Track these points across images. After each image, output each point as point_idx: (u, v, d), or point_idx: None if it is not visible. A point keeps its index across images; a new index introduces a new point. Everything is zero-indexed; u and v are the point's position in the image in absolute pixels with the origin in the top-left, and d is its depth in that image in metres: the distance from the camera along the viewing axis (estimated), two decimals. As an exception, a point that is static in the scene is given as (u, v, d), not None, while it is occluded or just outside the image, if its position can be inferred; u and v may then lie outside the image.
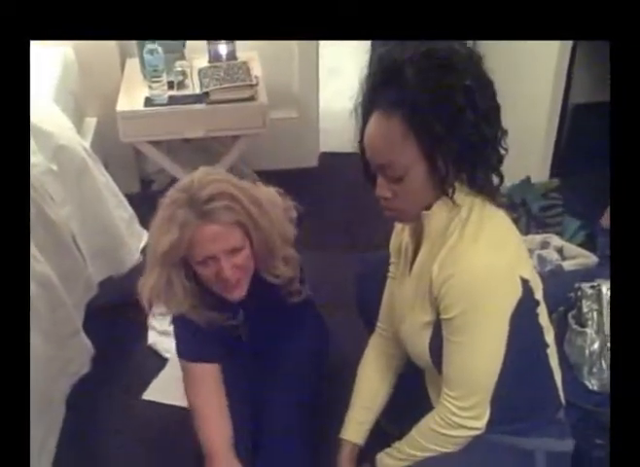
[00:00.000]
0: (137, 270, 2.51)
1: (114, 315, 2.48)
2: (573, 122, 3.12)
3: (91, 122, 2.94)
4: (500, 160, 1.33)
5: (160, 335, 2.41)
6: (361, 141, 1.35)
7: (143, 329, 2.44)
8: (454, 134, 1.23)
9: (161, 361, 2.32)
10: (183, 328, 1.72)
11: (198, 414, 1.69)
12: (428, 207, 1.34)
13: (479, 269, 1.27)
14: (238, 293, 1.61)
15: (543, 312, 1.41)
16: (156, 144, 2.88)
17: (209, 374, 1.71)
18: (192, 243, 1.51)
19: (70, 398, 1.94)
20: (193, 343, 1.71)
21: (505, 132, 1.32)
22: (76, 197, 2.30)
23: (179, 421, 2.08)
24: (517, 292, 1.30)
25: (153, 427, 2.10)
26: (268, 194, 1.69)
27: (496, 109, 1.29)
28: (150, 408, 2.16)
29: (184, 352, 1.73)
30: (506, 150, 1.33)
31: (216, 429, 1.66)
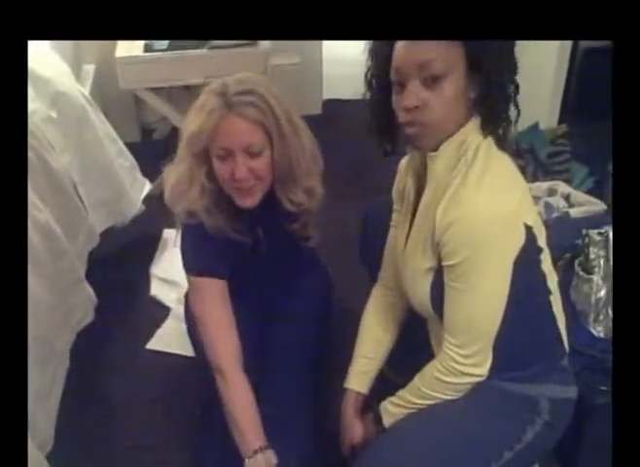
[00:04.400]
0: (139, 221, 2.52)
1: (117, 265, 2.48)
2: (583, 66, 3.06)
3: (90, 69, 2.89)
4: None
5: (162, 282, 2.40)
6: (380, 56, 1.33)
7: (146, 279, 2.44)
8: (495, 57, 1.23)
9: (165, 310, 2.32)
10: (190, 242, 1.69)
11: (207, 330, 1.66)
12: (452, 134, 1.31)
13: (482, 214, 1.25)
14: (250, 200, 1.60)
15: (546, 259, 1.39)
16: (156, 91, 2.83)
17: (217, 289, 1.67)
18: (214, 132, 1.52)
19: (74, 349, 1.95)
20: (200, 258, 1.68)
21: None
22: (76, 146, 2.28)
23: (183, 370, 2.10)
24: (521, 238, 1.28)
25: (157, 377, 2.11)
26: (306, 128, 1.69)
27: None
28: (154, 357, 2.17)
29: (191, 266, 1.69)
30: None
31: (224, 344, 1.64)
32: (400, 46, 1.28)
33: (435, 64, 1.24)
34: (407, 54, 1.27)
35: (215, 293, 1.67)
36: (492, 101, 1.28)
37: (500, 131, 1.30)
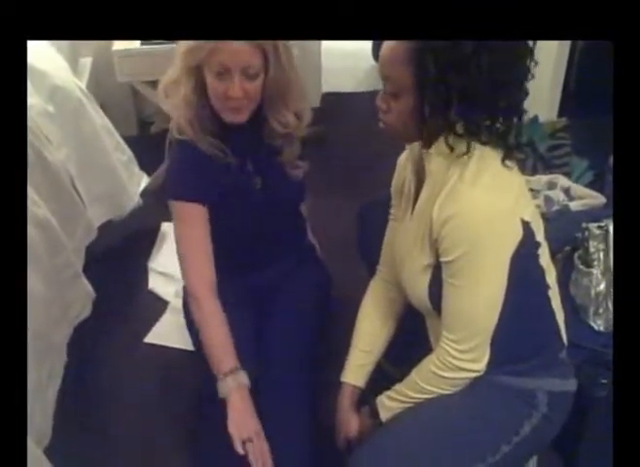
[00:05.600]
0: (137, 215, 2.51)
1: (114, 259, 2.48)
2: (582, 59, 3.05)
3: (87, 62, 2.87)
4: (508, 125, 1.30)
5: (160, 276, 2.40)
6: None
7: (144, 273, 2.43)
8: (449, 84, 1.21)
9: (163, 304, 2.32)
10: (176, 167, 1.71)
11: (184, 255, 1.68)
12: (422, 140, 1.33)
13: (479, 210, 1.25)
14: (239, 117, 1.63)
15: (544, 254, 1.39)
16: (153, 84, 2.81)
17: (196, 214, 1.68)
18: (214, 49, 1.53)
19: (71, 343, 1.94)
20: (182, 183, 1.70)
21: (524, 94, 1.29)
22: (73, 139, 2.27)
23: (182, 364, 2.09)
24: (518, 234, 1.28)
25: (155, 371, 2.11)
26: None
27: (514, 63, 1.25)
28: (152, 351, 2.17)
29: (173, 191, 1.70)
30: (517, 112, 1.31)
31: (200, 269, 1.66)
32: (381, 51, 1.32)
33: (390, 81, 1.30)
34: (379, 62, 1.33)
35: (194, 219, 1.68)
36: (447, 120, 1.26)
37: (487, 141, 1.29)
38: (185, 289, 1.67)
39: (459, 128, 1.26)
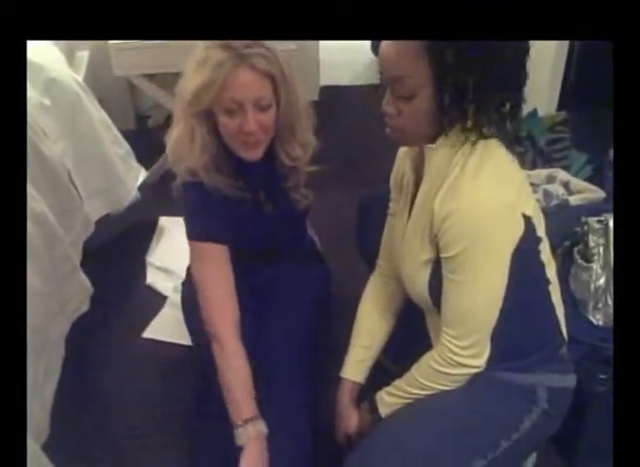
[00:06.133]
0: (134, 209, 2.50)
1: (112, 254, 2.47)
2: (582, 52, 3.04)
3: (83, 55, 2.86)
4: (514, 108, 1.29)
5: (159, 271, 2.39)
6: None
7: (142, 267, 2.43)
8: (467, 69, 1.19)
9: (161, 299, 2.31)
10: (192, 207, 1.69)
11: (206, 297, 1.65)
12: (431, 139, 1.30)
13: (480, 205, 1.23)
14: (255, 153, 1.61)
15: (545, 249, 1.38)
16: (151, 78, 2.80)
17: (218, 255, 1.66)
18: (223, 86, 1.50)
19: (69, 338, 1.94)
20: (202, 223, 1.67)
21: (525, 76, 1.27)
22: (70, 133, 2.26)
23: (180, 359, 2.09)
24: (519, 229, 1.27)
25: (153, 365, 2.10)
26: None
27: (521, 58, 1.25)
28: (151, 346, 2.16)
29: (193, 232, 1.68)
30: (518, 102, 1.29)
31: (223, 311, 1.62)
32: (380, 52, 1.28)
33: (404, 83, 1.24)
34: (383, 66, 1.29)
35: (216, 259, 1.65)
36: (462, 110, 1.25)
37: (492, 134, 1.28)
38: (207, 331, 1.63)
39: (471, 118, 1.25)
